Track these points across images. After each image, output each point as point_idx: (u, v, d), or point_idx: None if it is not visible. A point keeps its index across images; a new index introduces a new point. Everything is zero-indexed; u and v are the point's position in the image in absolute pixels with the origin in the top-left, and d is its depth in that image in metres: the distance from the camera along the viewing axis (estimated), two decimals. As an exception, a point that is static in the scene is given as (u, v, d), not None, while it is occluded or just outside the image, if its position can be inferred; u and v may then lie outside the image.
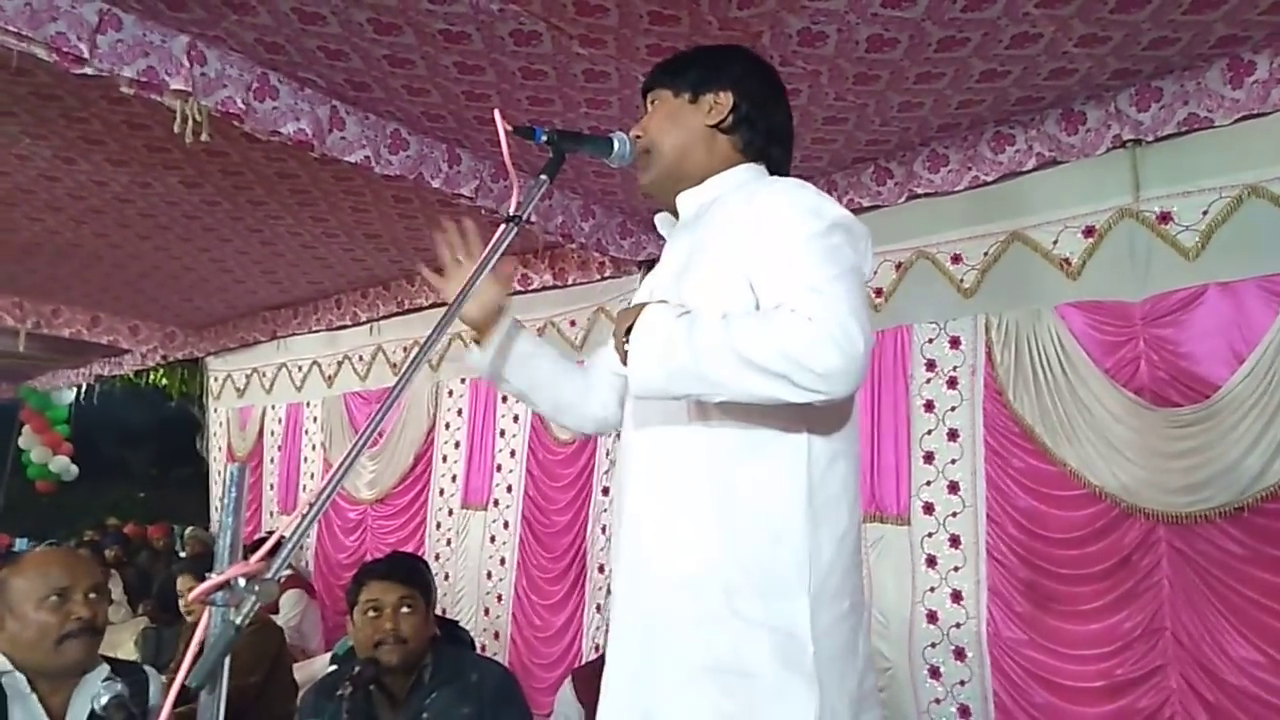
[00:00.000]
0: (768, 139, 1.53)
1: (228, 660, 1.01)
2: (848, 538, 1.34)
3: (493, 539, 4.86)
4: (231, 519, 1.06)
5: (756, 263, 1.31)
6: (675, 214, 1.57)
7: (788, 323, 1.19)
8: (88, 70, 2.38)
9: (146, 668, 2.12)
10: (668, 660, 1.30)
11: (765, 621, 1.26)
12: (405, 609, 2.26)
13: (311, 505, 1.09)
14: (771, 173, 1.53)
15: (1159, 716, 2.73)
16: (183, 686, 0.99)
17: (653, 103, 1.56)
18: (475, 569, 4.91)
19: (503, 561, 4.78)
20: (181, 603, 3.57)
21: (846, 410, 1.35)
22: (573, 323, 4.65)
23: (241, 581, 1.01)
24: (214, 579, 1.01)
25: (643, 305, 1.32)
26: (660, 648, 1.31)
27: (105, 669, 1.93)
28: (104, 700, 1.74)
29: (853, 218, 1.36)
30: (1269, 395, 2.55)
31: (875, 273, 3.50)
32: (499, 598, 4.78)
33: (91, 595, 1.92)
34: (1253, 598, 2.58)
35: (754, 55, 1.61)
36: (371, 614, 2.26)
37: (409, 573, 2.38)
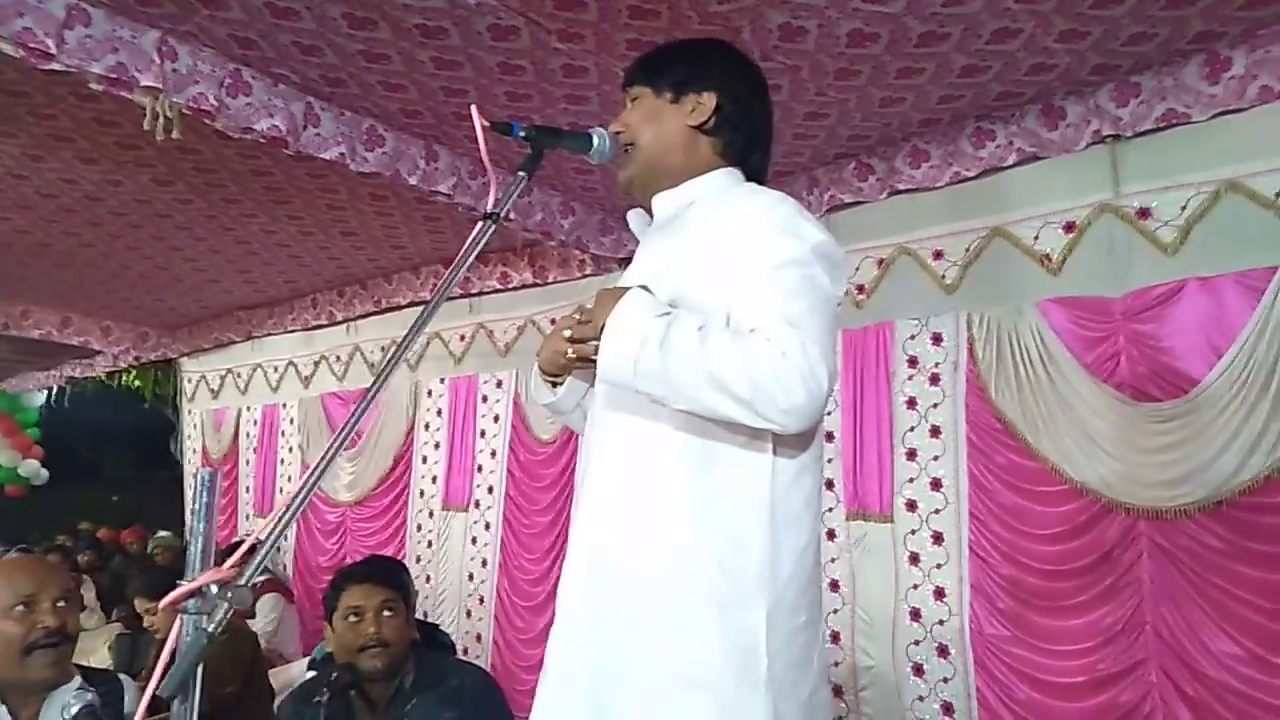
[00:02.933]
0: (749, 142, 1.52)
1: (200, 669, 0.99)
2: (807, 551, 1.34)
3: (474, 540, 4.82)
4: (203, 525, 1.02)
5: (733, 277, 1.30)
6: (650, 212, 1.55)
7: (761, 352, 1.20)
8: (55, 66, 2.33)
9: (121, 676, 2.08)
10: (627, 663, 1.29)
11: (723, 633, 1.26)
12: (387, 613, 2.23)
13: (287, 509, 1.06)
14: (749, 178, 1.52)
15: (1140, 711, 2.75)
16: (155, 697, 0.96)
17: (634, 99, 1.53)
18: (457, 571, 4.88)
19: (484, 563, 4.75)
20: (145, 621, 3.50)
21: (814, 428, 1.34)
22: (553, 321, 4.60)
23: (214, 589, 0.98)
24: (186, 586, 0.98)
25: (625, 289, 1.31)
26: (618, 649, 1.30)
27: (78, 680, 1.89)
28: (74, 710, 1.70)
29: (832, 242, 1.36)
30: (1247, 390, 2.57)
31: (857, 269, 3.50)
32: (481, 600, 4.75)
33: (60, 603, 1.87)
34: (1232, 592, 2.60)
35: (738, 52, 1.59)
36: (353, 619, 2.22)
37: (390, 576, 2.34)
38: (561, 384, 1.54)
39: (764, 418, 1.20)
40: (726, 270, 1.31)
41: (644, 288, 1.32)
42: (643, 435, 1.35)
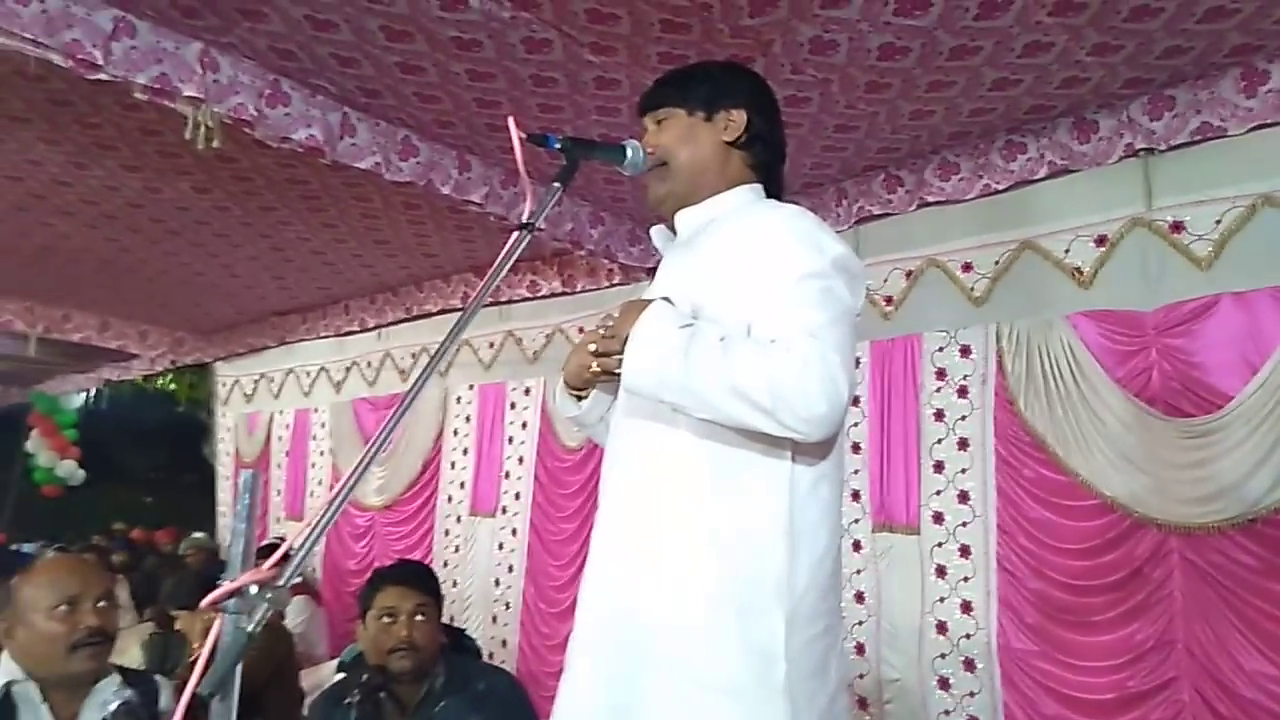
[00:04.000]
0: (776, 155, 1.57)
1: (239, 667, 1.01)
2: (825, 560, 1.35)
3: (501, 546, 4.85)
4: (244, 526, 1.05)
5: (754, 289, 1.33)
6: (674, 229, 1.58)
7: (783, 363, 1.23)
8: (101, 76, 2.39)
9: (156, 676, 2.11)
10: (646, 667, 1.31)
11: (742, 638, 1.27)
12: (420, 616, 2.26)
13: (323, 514, 1.08)
14: (772, 191, 1.55)
15: (1171, 729, 2.71)
16: (194, 695, 0.99)
17: (660, 120, 1.55)
18: (483, 576, 4.90)
19: (511, 569, 4.77)
20: (177, 625, 3.56)
21: (833, 437, 1.36)
22: (581, 329, 4.64)
23: (254, 589, 1.00)
24: (227, 585, 1.00)
25: (648, 301, 1.34)
26: (637, 652, 1.32)
27: (116, 678, 1.93)
28: (113, 707, 1.74)
29: (851, 254, 1.39)
30: (1283, 406, 2.53)
31: (885, 280, 3.49)
32: (507, 605, 4.77)
33: (101, 604, 1.91)
34: (1265, 610, 2.56)
35: (755, 72, 1.64)
36: (386, 620, 2.25)
37: (425, 581, 2.38)
38: (586, 397, 1.57)
39: (786, 427, 1.22)
40: (747, 283, 1.34)
41: (667, 299, 1.35)
42: (663, 443, 1.38)
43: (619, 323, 1.36)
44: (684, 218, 1.54)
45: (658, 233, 1.63)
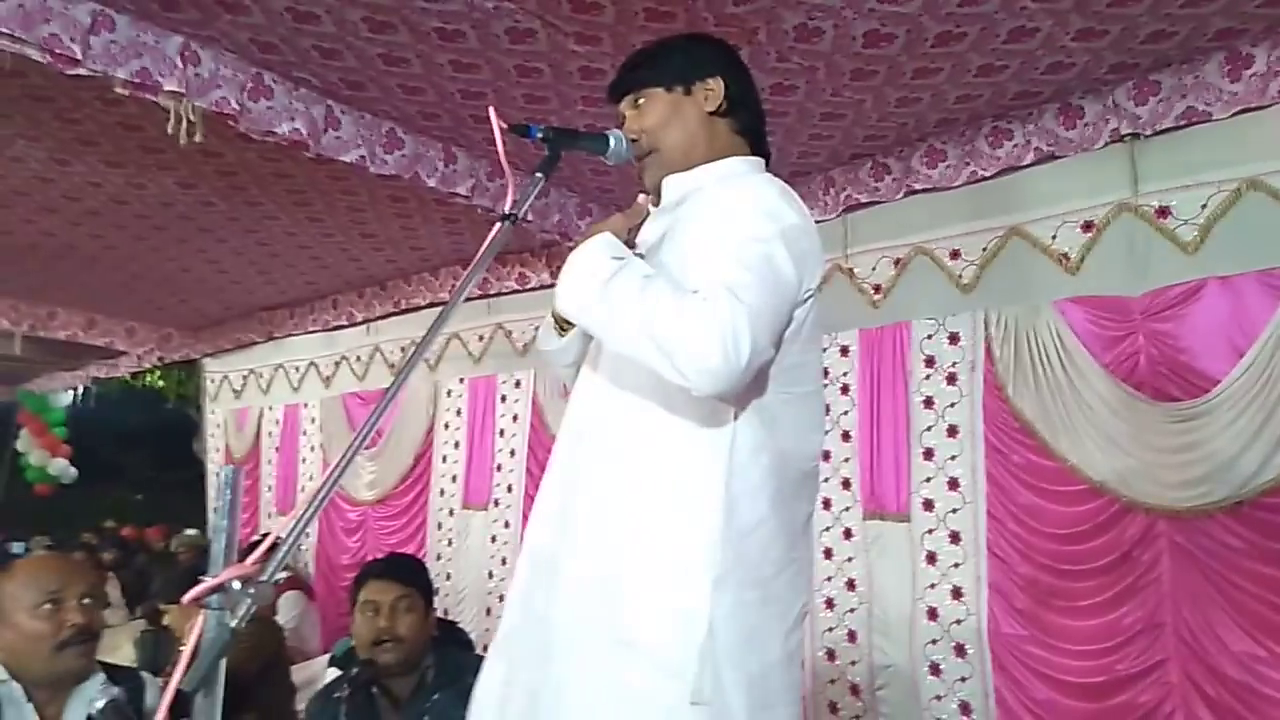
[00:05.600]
0: (758, 116, 1.57)
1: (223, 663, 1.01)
2: (763, 528, 1.34)
3: (494, 539, 4.84)
4: (226, 522, 1.05)
5: (704, 248, 1.34)
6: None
7: (691, 309, 1.23)
8: (81, 71, 2.37)
9: (142, 673, 2.10)
10: (570, 625, 1.34)
11: (665, 596, 1.29)
12: (403, 608, 2.26)
13: (307, 507, 1.08)
14: (762, 153, 1.55)
15: (1160, 712, 2.73)
16: (178, 692, 0.98)
17: (638, 103, 1.54)
18: (477, 569, 4.90)
19: (504, 562, 4.76)
20: (166, 619, 3.53)
21: (777, 406, 1.37)
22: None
23: (237, 584, 1.00)
24: (209, 582, 1.00)
25: (601, 229, 1.38)
26: (567, 604, 1.35)
27: (101, 676, 1.91)
28: (99, 705, 1.73)
29: (808, 231, 1.37)
30: (1269, 389, 2.54)
31: (874, 269, 3.49)
32: (500, 598, 4.76)
33: (86, 600, 1.90)
34: (1253, 592, 2.58)
35: (720, 39, 1.64)
36: (370, 613, 2.26)
37: (406, 572, 2.38)
38: (569, 332, 1.56)
39: (679, 372, 1.22)
40: (700, 243, 1.35)
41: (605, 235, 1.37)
42: (610, 398, 1.41)
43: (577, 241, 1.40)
44: (669, 184, 1.52)
45: (643, 199, 1.61)
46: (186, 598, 1.01)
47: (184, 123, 2.56)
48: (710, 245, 1.33)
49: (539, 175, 1.42)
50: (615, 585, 1.31)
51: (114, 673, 1.98)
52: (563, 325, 1.57)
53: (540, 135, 1.44)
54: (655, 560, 1.31)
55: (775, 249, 1.31)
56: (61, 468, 9.37)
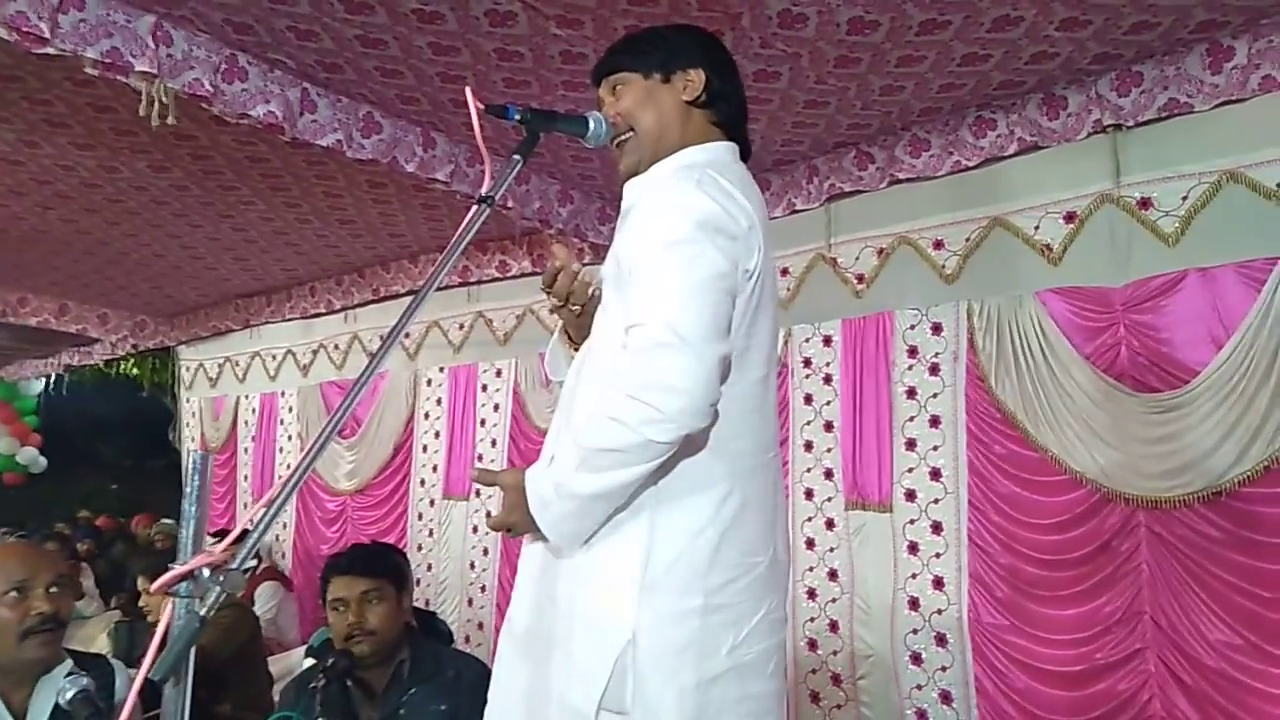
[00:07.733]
0: (738, 111, 1.55)
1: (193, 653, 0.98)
2: (711, 532, 1.31)
3: (475, 529, 4.81)
4: (194, 508, 1.02)
5: (633, 266, 1.33)
6: None
7: (615, 408, 1.23)
8: (49, 50, 2.30)
9: (112, 660, 2.07)
10: (524, 624, 1.42)
11: (590, 603, 1.30)
12: (371, 600, 2.23)
13: (277, 495, 1.05)
14: (741, 144, 1.54)
15: (1138, 699, 2.75)
16: (147, 680, 0.96)
17: (615, 87, 1.52)
18: (458, 560, 4.87)
19: (485, 552, 4.74)
20: (141, 601, 3.48)
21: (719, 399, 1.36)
22: (552, 310, 4.59)
23: (206, 572, 0.97)
24: (177, 569, 0.97)
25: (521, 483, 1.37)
26: (523, 609, 1.43)
27: (69, 664, 1.88)
28: (69, 695, 1.69)
29: (726, 214, 1.32)
30: (1247, 380, 2.56)
31: (857, 258, 3.48)
32: (482, 588, 4.74)
33: (53, 589, 1.87)
34: (1230, 581, 2.60)
35: (708, 32, 1.64)
36: (340, 609, 2.23)
37: (372, 565, 2.32)
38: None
39: (665, 442, 1.22)
40: (633, 264, 1.33)
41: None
42: (573, 394, 1.47)
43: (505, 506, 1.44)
44: (626, 191, 1.51)
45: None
46: (154, 585, 0.98)
47: (156, 104, 2.49)
48: (637, 264, 1.31)
49: (516, 157, 1.40)
50: (553, 589, 1.36)
51: (83, 661, 1.94)
52: (574, 346, 1.57)
53: (518, 117, 1.42)
54: (588, 564, 1.32)
55: (698, 247, 1.28)
56: (31, 456, 9.24)
